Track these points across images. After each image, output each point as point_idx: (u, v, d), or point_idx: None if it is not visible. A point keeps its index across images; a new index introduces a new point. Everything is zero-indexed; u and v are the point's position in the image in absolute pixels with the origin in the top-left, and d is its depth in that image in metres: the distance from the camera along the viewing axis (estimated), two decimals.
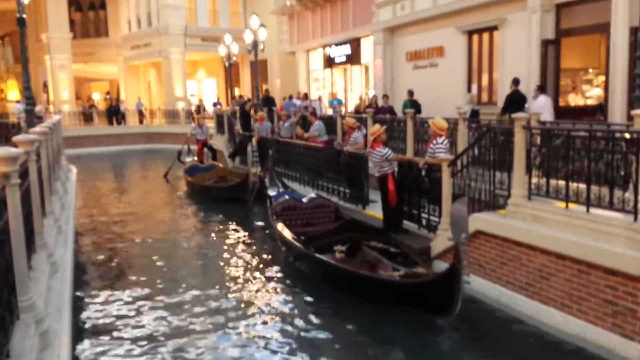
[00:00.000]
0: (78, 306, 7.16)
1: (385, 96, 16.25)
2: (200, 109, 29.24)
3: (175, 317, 6.95)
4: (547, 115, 10.54)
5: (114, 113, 31.47)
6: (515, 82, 12.03)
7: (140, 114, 31.58)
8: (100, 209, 14.85)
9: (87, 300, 7.66)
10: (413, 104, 15.03)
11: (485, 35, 14.67)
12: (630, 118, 7.55)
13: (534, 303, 6.23)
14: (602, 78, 12.22)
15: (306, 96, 22.07)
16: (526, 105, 11.60)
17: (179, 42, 31.60)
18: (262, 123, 16.35)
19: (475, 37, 15.00)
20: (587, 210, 5.76)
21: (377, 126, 8.82)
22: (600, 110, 11.81)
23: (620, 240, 5.31)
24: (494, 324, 6.53)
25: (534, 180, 6.52)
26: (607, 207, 5.60)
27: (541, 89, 11.76)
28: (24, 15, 14.01)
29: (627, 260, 5.15)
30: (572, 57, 13.16)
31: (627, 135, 5.55)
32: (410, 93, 15.82)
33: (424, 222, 8.51)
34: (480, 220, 6.96)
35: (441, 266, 7.31)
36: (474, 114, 12.44)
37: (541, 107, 10.74)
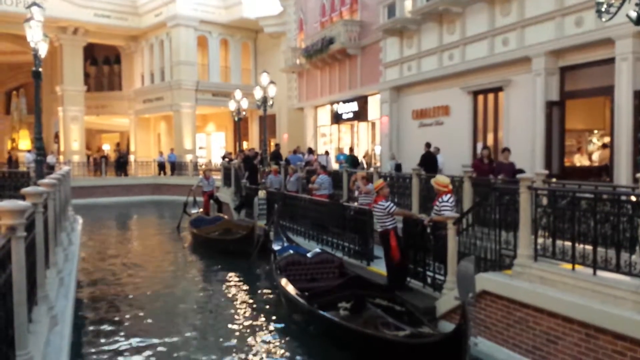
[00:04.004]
0: None
1: (505, 150, 11.70)
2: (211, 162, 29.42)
3: None
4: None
5: (123, 164, 31.85)
6: (428, 145, 14.64)
7: (173, 166, 31.13)
8: (104, 260, 14.78)
9: (86, 353, 7.53)
10: (352, 160, 18.21)
11: (490, 96, 14.87)
12: (636, 180, 7.56)
13: None
14: (607, 139, 12.30)
15: (310, 150, 22.27)
16: (440, 161, 14.31)
17: (191, 97, 32.38)
18: (277, 175, 16.69)
19: (481, 98, 15.21)
20: (594, 273, 5.70)
21: (381, 180, 8.92)
22: (605, 171, 11.83)
23: (628, 304, 5.22)
24: None
25: (540, 240, 6.47)
26: (614, 270, 5.53)
27: (437, 150, 14.87)
28: (40, 69, 14.34)
29: (635, 325, 5.05)
30: (576, 118, 13.28)
31: (633, 198, 5.55)
32: (351, 149, 17.75)
33: (429, 280, 8.43)
34: (486, 281, 6.89)
35: (447, 326, 7.17)
36: (398, 167, 15.24)
37: (442, 163, 14.46)
